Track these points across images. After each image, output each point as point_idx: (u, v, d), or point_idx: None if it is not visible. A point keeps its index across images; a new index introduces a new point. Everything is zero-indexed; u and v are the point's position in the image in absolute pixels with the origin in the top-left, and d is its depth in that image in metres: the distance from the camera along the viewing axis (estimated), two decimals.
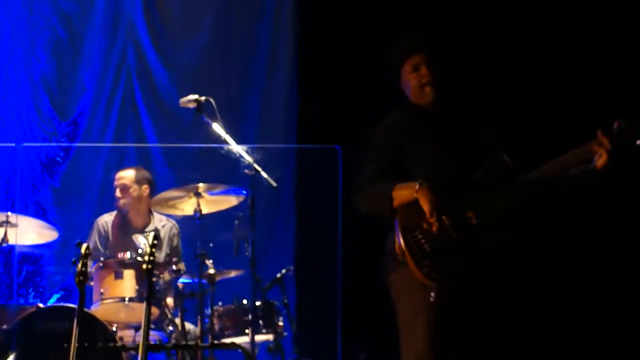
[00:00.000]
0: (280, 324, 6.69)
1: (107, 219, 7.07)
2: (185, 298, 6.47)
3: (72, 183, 8.02)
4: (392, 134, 4.51)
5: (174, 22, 8.40)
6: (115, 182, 7.04)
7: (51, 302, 7.35)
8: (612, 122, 4.11)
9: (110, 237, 7.00)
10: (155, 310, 6.25)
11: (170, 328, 6.40)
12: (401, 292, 4.33)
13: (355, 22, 7.76)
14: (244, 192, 6.38)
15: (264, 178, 6.03)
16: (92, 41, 8.19)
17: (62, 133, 8.02)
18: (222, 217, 6.72)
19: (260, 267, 6.31)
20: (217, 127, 5.99)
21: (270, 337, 6.60)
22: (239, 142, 6.09)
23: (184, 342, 6.21)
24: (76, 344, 4.94)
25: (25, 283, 7.70)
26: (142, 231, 6.86)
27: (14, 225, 6.41)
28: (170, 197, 6.62)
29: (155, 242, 5.11)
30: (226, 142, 6.01)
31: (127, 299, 6.26)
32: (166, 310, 6.40)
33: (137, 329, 6.30)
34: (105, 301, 6.27)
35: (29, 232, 6.61)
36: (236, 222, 6.52)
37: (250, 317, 6.39)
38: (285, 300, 6.77)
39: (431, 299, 4.15)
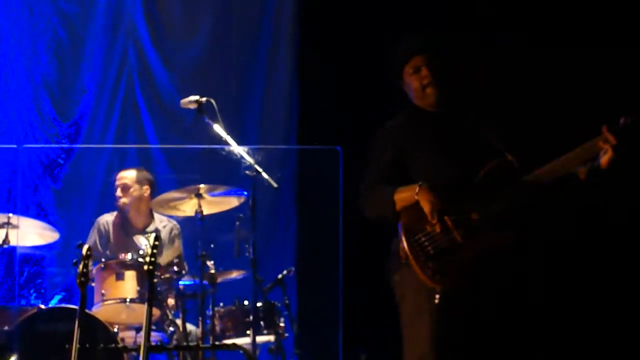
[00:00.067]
0: (282, 324, 6.69)
1: (108, 219, 7.07)
2: (186, 299, 6.47)
3: (73, 184, 8.02)
4: (394, 135, 4.51)
5: (174, 23, 8.40)
6: (116, 182, 7.05)
7: (52, 303, 7.36)
8: (618, 118, 4.11)
9: (111, 237, 7.00)
10: (156, 311, 6.25)
11: (172, 329, 6.40)
12: (405, 292, 4.34)
13: (356, 23, 7.75)
14: (245, 193, 6.38)
15: (265, 179, 6.02)
16: (93, 42, 8.18)
17: (63, 134, 8.03)
18: (223, 218, 6.72)
19: (262, 268, 6.31)
20: (218, 128, 5.98)
21: (271, 338, 6.61)
22: (240, 143, 6.09)
23: (185, 343, 6.22)
24: (77, 345, 4.94)
25: (27, 284, 7.71)
26: (143, 231, 6.88)
27: (15, 227, 6.42)
28: (171, 198, 6.62)
29: (157, 243, 5.12)
30: (227, 143, 6.01)
31: (128, 300, 6.25)
32: (167, 311, 6.41)
33: (138, 330, 6.30)
34: (106, 302, 6.27)
35: (30, 233, 6.61)
36: (237, 223, 6.52)
37: (251, 318, 6.40)
38: (287, 301, 6.77)
39: (435, 301, 4.15)
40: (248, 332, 6.45)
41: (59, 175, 7.98)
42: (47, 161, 7.96)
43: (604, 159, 4.12)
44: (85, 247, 5.15)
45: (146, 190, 7.03)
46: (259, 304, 6.49)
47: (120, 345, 5.99)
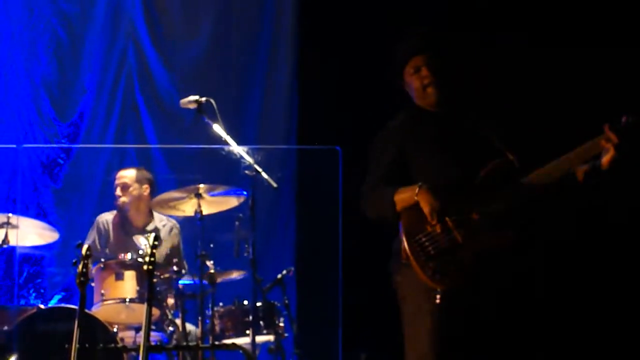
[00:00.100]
0: (281, 324, 6.69)
1: (107, 218, 7.08)
2: (186, 299, 6.47)
3: (72, 184, 8.02)
4: (395, 135, 4.51)
5: (174, 23, 8.39)
6: (116, 181, 7.05)
7: (52, 303, 7.37)
8: (620, 116, 4.10)
9: (111, 236, 7.00)
10: (156, 311, 6.25)
11: (171, 329, 6.41)
12: (407, 292, 4.34)
13: (356, 23, 7.75)
14: (245, 193, 6.38)
15: (265, 179, 6.03)
16: (93, 42, 8.18)
17: (63, 134, 8.03)
18: (222, 218, 6.72)
19: (261, 268, 6.31)
20: (217, 128, 5.99)
21: (271, 337, 6.60)
22: (239, 143, 6.09)
23: (184, 343, 6.22)
24: (77, 345, 4.94)
25: (26, 284, 7.71)
26: (142, 230, 6.88)
27: (15, 227, 6.41)
28: (170, 198, 6.62)
29: (156, 242, 5.12)
30: (227, 143, 6.01)
31: (127, 299, 6.26)
32: (167, 311, 6.41)
33: (137, 329, 6.30)
34: (106, 302, 6.27)
35: (29, 233, 6.61)
36: (237, 223, 6.53)
37: (250, 317, 6.39)
38: (286, 301, 6.76)
39: (436, 301, 4.15)
40: (247, 332, 6.45)
41: (58, 175, 7.97)
42: (46, 161, 7.96)
43: (606, 158, 4.12)
44: (85, 247, 5.15)
45: (146, 189, 7.03)
46: (258, 304, 6.48)
47: (120, 345, 5.99)
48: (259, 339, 6.53)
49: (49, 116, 7.99)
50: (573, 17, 7.14)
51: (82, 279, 5.06)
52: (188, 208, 6.57)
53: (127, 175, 7.06)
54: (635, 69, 6.73)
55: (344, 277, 7.61)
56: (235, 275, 6.73)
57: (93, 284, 6.31)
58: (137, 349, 5.56)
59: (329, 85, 7.88)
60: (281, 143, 8.14)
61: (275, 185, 6.06)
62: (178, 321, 6.39)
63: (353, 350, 7.48)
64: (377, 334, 7.29)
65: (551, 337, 6.12)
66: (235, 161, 6.11)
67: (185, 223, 6.99)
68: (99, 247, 6.90)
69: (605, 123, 4.10)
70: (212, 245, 6.47)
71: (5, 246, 6.39)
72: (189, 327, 6.49)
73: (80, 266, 5.07)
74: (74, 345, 4.94)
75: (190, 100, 6.05)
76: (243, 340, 6.42)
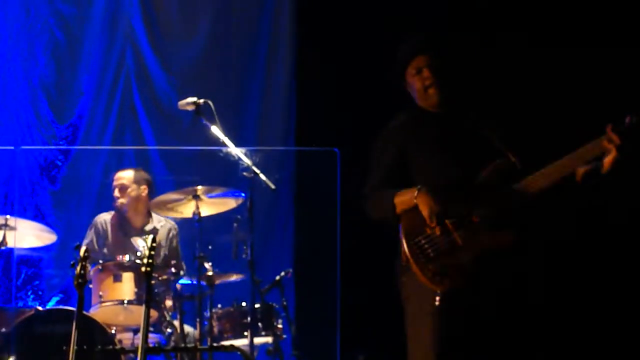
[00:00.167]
0: (279, 326, 6.68)
1: (106, 218, 7.06)
2: (184, 300, 6.46)
3: (70, 186, 8.01)
4: (396, 136, 4.52)
5: (172, 24, 8.39)
6: (114, 183, 7.04)
7: (50, 304, 7.35)
8: (623, 117, 4.09)
9: (109, 237, 6.99)
10: (154, 313, 6.24)
11: (169, 330, 6.40)
12: (410, 294, 4.35)
13: (355, 24, 7.75)
14: (243, 194, 6.38)
15: (263, 180, 6.03)
16: (91, 44, 8.17)
17: (61, 136, 8.02)
18: (221, 220, 6.72)
19: (259, 270, 6.31)
20: (215, 130, 5.98)
21: (269, 339, 6.60)
22: (237, 144, 6.09)
23: (182, 345, 6.21)
24: (75, 347, 4.93)
25: (24, 286, 7.70)
26: (141, 231, 6.87)
27: (13, 228, 6.40)
28: (169, 199, 6.62)
29: (154, 244, 5.11)
30: (225, 145, 6.01)
31: (126, 301, 6.24)
32: (165, 313, 6.40)
33: (136, 331, 6.29)
34: (104, 304, 6.26)
35: (27, 235, 6.59)
36: (235, 224, 6.53)
37: (249, 319, 6.39)
38: (284, 303, 6.75)
39: (436, 303, 4.15)
40: (246, 333, 6.44)
41: (56, 176, 7.97)
42: (44, 163, 7.95)
43: (607, 160, 4.11)
44: (83, 248, 5.14)
45: (144, 190, 7.02)
46: (256, 306, 6.48)
47: (118, 347, 5.98)
48: (257, 340, 6.52)
49: (47, 118, 7.98)
50: (573, 17, 7.15)
51: (80, 280, 5.05)
52: (186, 209, 6.56)
53: (125, 176, 7.05)
54: (635, 69, 6.73)
55: (342, 279, 7.61)
56: (234, 278, 6.72)
57: (91, 286, 6.30)
58: (135, 351, 5.54)
59: (327, 86, 7.88)
60: (279, 144, 8.14)
61: (273, 186, 6.05)
62: (176, 323, 6.38)
63: (351, 352, 7.47)
64: (376, 335, 7.30)
65: (551, 337, 6.12)
66: (233, 163, 6.10)
67: (184, 224, 6.98)
68: (96, 247, 6.89)
69: (607, 123, 4.08)
70: (210, 247, 6.46)
71: (2, 248, 6.37)
72: (187, 328, 6.48)
73: (78, 268, 5.06)
74: (72, 347, 4.93)
75: (188, 102, 6.05)
76: (241, 342, 6.41)
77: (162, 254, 6.88)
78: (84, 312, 5.69)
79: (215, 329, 6.58)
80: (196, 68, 8.28)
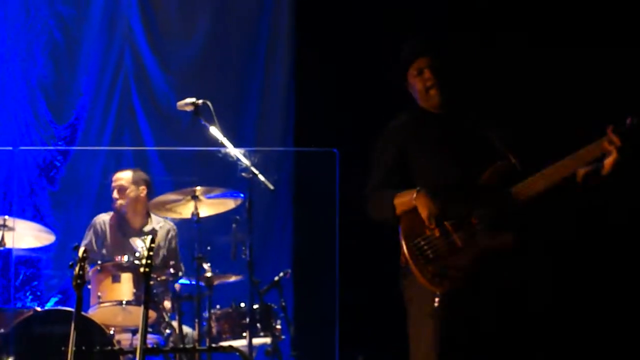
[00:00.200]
0: (278, 327, 6.67)
1: (104, 218, 7.06)
2: (182, 301, 6.46)
3: (69, 186, 8.01)
4: (396, 136, 4.52)
5: (170, 25, 8.38)
6: (113, 184, 7.03)
7: (49, 305, 7.33)
8: (624, 118, 4.08)
9: (108, 238, 6.98)
10: (152, 314, 6.24)
11: (168, 331, 6.39)
12: (411, 295, 4.35)
13: (354, 24, 7.75)
14: (242, 195, 6.37)
15: (262, 181, 6.02)
16: (89, 44, 8.17)
17: (60, 136, 8.01)
18: (219, 221, 6.72)
19: (258, 270, 6.31)
20: (214, 130, 5.97)
21: (268, 340, 6.59)
22: (236, 145, 6.08)
23: (181, 346, 6.21)
24: (74, 348, 4.92)
25: (23, 286, 7.69)
26: (139, 232, 6.86)
27: (11, 229, 6.40)
28: (167, 200, 6.62)
29: (153, 245, 5.10)
30: (223, 145, 6.00)
31: (124, 302, 6.24)
32: (164, 314, 6.40)
33: (134, 332, 6.29)
34: (102, 305, 6.26)
35: (26, 235, 6.59)
36: (234, 225, 6.53)
37: (247, 320, 6.39)
38: (283, 303, 6.76)
39: (435, 304, 4.14)
40: (244, 334, 6.44)
41: (55, 177, 7.96)
42: (43, 163, 7.95)
43: (608, 161, 4.11)
44: (82, 249, 5.14)
45: (143, 190, 7.02)
46: (255, 306, 6.48)
47: (117, 347, 5.97)
48: (256, 341, 6.52)
49: (46, 118, 7.98)
50: (573, 17, 7.15)
51: (78, 281, 5.04)
52: (185, 210, 6.56)
53: (124, 177, 7.04)
54: (635, 69, 6.73)
55: (341, 280, 7.61)
56: (233, 278, 6.72)
57: (90, 287, 6.29)
58: (133, 352, 5.53)
59: (326, 86, 7.87)
60: (278, 145, 8.14)
61: (272, 187, 6.05)
62: (175, 324, 6.38)
63: (350, 352, 7.47)
64: (375, 336, 7.30)
65: (551, 338, 6.11)
66: (232, 163, 6.10)
67: (182, 225, 6.98)
68: (95, 248, 6.89)
69: (607, 124, 4.07)
70: (209, 248, 6.46)
71: (1, 248, 6.37)
72: (186, 329, 6.48)
73: (76, 268, 5.05)
74: (71, 348, 4.92)
75: (187, 103, 6.04)
76: (240, 343, 6.41)
77: (160, 254, 6.88)
78: (83, 313, 5.69)
79: (214, 330, 6.58)
80: (195, 68, 8.28)
